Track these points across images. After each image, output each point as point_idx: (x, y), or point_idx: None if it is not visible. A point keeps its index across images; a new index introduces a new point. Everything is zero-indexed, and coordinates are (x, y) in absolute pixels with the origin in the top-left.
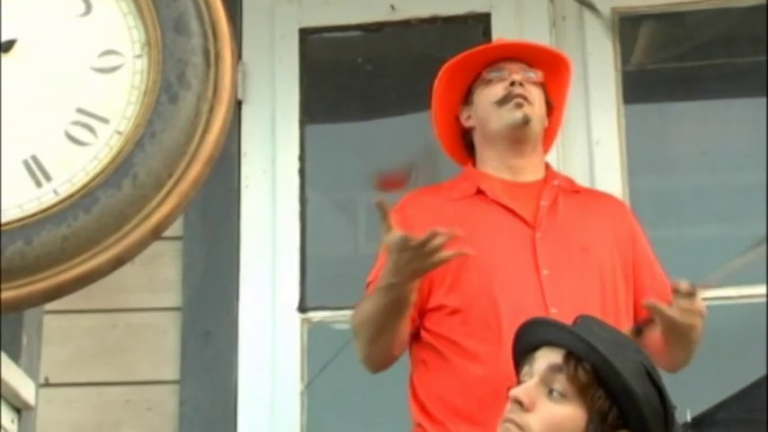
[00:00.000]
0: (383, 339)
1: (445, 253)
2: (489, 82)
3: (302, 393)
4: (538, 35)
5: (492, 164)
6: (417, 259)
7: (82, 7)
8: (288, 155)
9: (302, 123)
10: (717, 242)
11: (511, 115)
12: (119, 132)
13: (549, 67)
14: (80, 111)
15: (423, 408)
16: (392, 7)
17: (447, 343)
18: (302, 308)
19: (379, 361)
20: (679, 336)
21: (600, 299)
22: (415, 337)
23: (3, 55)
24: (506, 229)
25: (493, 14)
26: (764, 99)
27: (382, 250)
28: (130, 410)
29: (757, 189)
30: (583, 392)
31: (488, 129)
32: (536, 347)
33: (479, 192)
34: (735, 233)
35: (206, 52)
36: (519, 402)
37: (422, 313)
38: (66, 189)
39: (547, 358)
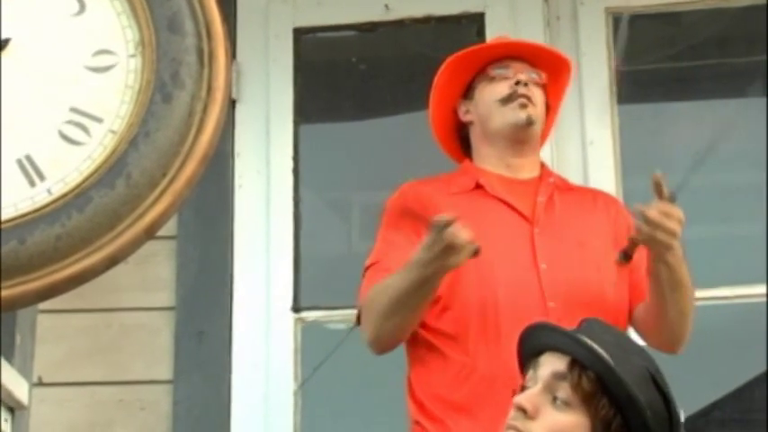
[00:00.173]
0: (401, 316)
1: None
2: (493, 79)
3: (296, 393)
4: (532, 35)
5: (490, 160)
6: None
7: (76, 6)
8: (282, 154)
9: (296, 123)
10: (711, 242)
11: (514, 115)
12: (112, 132)
13: (551, 69)
14: (74, 110)
15: (421, 406)
16: (386, 7)
17: (444, 338)
18: (296, 307)
19: (389, 340)
20: (667, 273)
21: (597, 294)
22: (413, 335)
23: None
24: (505, 223)
25: (487, 14)
26: (759, 99)
27: (384, 232)
28: (124, 410)
29: (751, 189)
30: (587, 401)
31: (490, 126)
32: (540, 351)
33: (478, 186)
34: (729, 233)
35: (200, 52)
36: (522, 410)
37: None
38: (59, 188)
39: (551, 365)
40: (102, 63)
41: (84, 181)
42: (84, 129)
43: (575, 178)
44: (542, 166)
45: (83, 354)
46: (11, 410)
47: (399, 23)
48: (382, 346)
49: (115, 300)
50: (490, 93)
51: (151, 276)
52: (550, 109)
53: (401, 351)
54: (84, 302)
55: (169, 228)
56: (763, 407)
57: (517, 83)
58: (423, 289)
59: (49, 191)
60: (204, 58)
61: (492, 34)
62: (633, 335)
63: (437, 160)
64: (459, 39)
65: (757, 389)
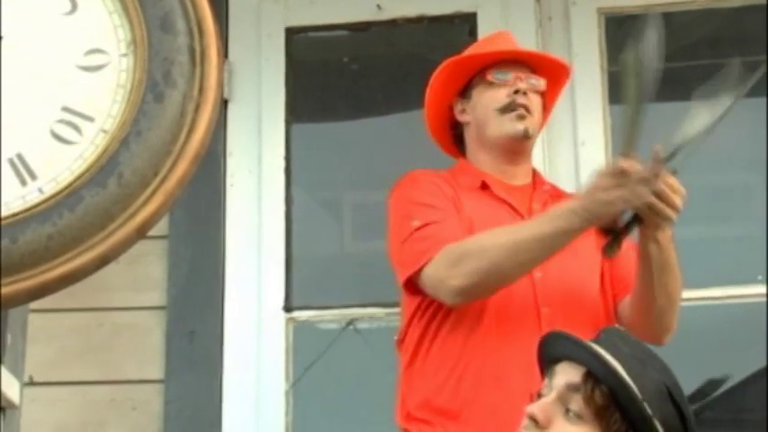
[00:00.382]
0: (520, 265)
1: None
2: (492, 84)
3: (287, 393)
4: (524, 35)
5: (486, 164)
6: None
7: (67, 5)
8: (273, 154)
9: (288, 122)
10: (704, 242)
11: (512, 126)
12: (104, 131)
13: (551, 74)
14: (65, 109)
15: (408, 413)
16: (378, 7)
17: (432, 340)
18: (287, 307)
19: (488, 287)
20: (657, 253)
21: (591, 301)
22: (403, 339)
23: None
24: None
25: (479, 14)
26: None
27: (418, 198)
28: (115, 410)
29: (743, 189)
30: (599, 415)
31: (486, 133)
32: (558, 360)
33: (484, 186)
34: (722, 233)
35: (192, 51)
36: (534, 419)
37: (415, 310)
38: (51, 188)
39: (566, 375)
40: (94, 62)
41: (75, 180)
42: (76, 128)
43: (566, 179)
44: (535, 173)
45: (74, 353)
46: (2, 410)
47: (392, 23)
48: (478, 292)
49: (106, 299)
50: (488, 99)
51: (142, 276)
52: (545, 109)
53: (392, 351)
54: (76, 302)
55: (160, 227)
56: (754, 407)
57: (516, 91)
58: (560, 239)
59: (40, 190)
60: (196, 57)
61: (484, 34)
62: None
63: (429, 160)
64: (452, 39)
65: (749, 389)
